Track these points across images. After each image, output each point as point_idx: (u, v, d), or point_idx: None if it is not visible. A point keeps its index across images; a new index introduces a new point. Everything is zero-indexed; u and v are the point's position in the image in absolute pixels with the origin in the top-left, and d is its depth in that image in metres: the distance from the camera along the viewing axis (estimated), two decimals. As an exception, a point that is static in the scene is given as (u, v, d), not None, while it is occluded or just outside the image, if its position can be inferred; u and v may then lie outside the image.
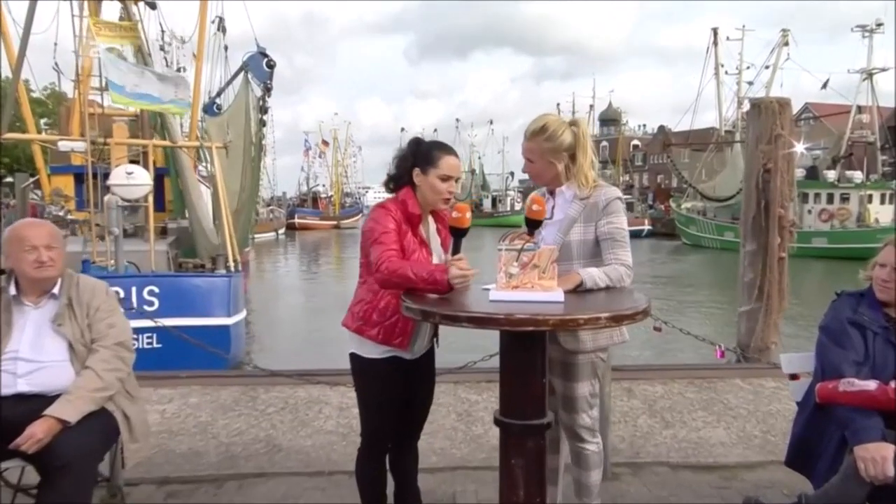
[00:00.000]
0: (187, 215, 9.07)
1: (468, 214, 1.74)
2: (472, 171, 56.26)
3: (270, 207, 43.44)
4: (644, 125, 66.47)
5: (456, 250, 1.80)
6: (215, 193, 8.35)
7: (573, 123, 1.95)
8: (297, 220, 43.24)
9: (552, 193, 1.96)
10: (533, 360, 1.59)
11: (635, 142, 60.50)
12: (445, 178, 1.89)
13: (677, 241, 30.69)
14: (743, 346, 4.34)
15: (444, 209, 1.92)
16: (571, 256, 1.86)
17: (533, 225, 1.80)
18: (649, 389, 3.80)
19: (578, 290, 1.72)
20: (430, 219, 1.99)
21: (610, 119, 58.99)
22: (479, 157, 59.99)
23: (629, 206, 38.83)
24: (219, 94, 11.90)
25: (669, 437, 3.17)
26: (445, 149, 1.93)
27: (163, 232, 8.83)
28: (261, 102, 9.73)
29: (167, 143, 8.35)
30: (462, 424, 3.28)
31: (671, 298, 13.85)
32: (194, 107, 10.41)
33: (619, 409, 3.51)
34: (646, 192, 48.97)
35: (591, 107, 53.46)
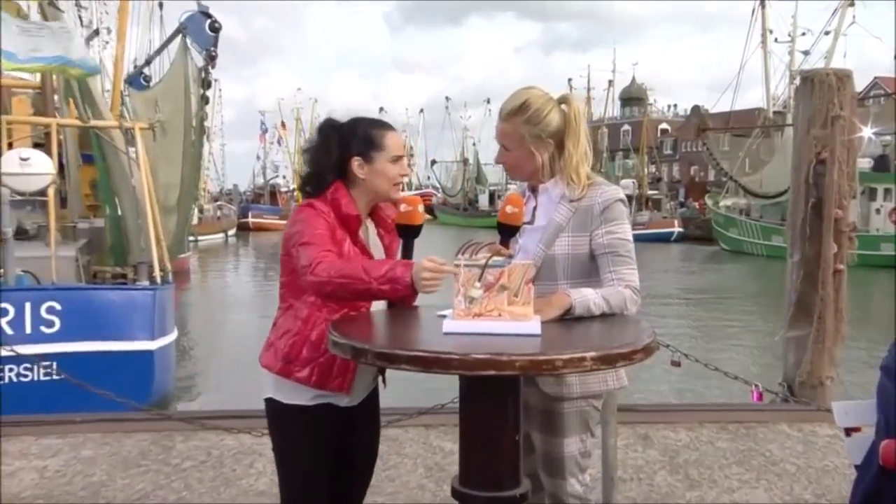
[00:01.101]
0: (108, 213, 8.86)
1: (420, 208, 1.71)
2: (465, 161, 56.56)
3: (218, 203, 43.26)
4: (675, 105, 67.22)
5: (408, 256, 1.78)
6: (140, 185, 8.13)
7: (563, 101, 1.87)
8: (250, 219, 43.20)
9: (534, 191, 1.88)
10: (501, 412, 1.51)
11: (664, 125, 61.05)
12: (396, 159, 1.85)
13: (714, 246, 30.90)
14: (790, 382, 4.21)
15: (397, 199, 1.85)
16: (556, 275, 1.78)
17: (507, 232, 1.75)
18: (670, 437, 3.70)
19: (566, 318, 1.64)
20: (369, 222, 1.93)
21: (633, 98, 59.49)
22: (474, 144, 60.49)
23: (656, 204, 39.23)
24: (147, 63, 11.73)
25: (696, 501, 3.05)
26: (383, 125, 1.88)
27: (72, 233, 8.61)
28: (203, 74, 9.58)
29: (75, 121, 8.13)
30: (432, 482, 3.15)
31: (703, 318, 13.81)
32: (116, 77, 10.20)
33: (631, 462, 3.40)
34: (676, 187, 49.45)
35: (611, 83, 54.02)
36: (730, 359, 9.38)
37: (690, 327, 12.65)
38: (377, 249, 1.93)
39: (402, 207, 1.73)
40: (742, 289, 18.71)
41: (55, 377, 5.77)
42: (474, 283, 1.50)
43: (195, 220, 33.43)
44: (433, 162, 60.85)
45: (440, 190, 60.78)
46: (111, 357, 6.02)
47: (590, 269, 1.79)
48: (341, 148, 1.83)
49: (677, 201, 44.25)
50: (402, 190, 1.87)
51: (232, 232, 38.76)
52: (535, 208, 1.86)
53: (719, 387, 6.95)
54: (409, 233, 1.77)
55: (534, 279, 1.76)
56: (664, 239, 33.82)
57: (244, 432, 3.57)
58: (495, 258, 1.53)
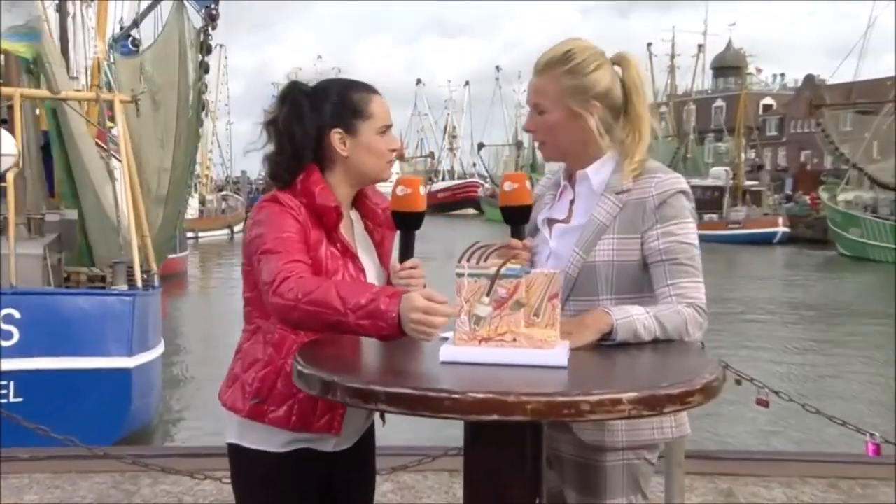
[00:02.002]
0: (70, 204, 9.02)
1: (422, 190, 1.69)
2: (519, 144, 56.46)
3: (223, 193, 44.20)
4: (781, 75, 65.44)
5: (407, 252, 1.75)
6: (125, 170, 8.25)
7: (617, 61, 1.81)
8: (261, 212, 44.47)
9: (570, 179, 1.85)
10: (514, 466, 1.47)
11: (768, 100, 59.72)
12: (385, 130, 1.81)
13: (829, 250, 30.08)
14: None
15: (384, 179, 1.82)
16: (596, 288, 1.73)
17: (514, 217, 1.76)
18: (761, 495, 3.57)
19: (605, 344, 1.59)
20: (354, 214, 1.88)
21: (728, 66, 58.30)
22: (531, 123, 59.72)
23: (755, 198, 38.36)
24: (136, 24, 11.95)
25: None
26: (366, 87, 1.82)
27: (38, 228, 8.77)
28: (202, 37, 9.69)
29: (43, 92, 8.29)
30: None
31: (804, 343, 13.20)
32: (99, 41, 10.40)
33: (708, 528, 3.25)
34: (781, 177, 48.27)
35: (701, 48, 53.27)
36: (838, 398, 8.98)
37: (787, 352, 12.17)
38: (365, 249, 1.86)
39: (399, 190, 1.67)
40: (862, 306, 17.82)
41: (13, 399, 5.90)
42: (481, 298, 1.44)
43: (196, 214, 34.38)
44: (480, 146, 60.93)
45: (488, 179, 60.79)
46: (79, 376, 6.11)
47: (641, 282, 1.74)
48: (315, 118, 1.77)
49: (783, 194, 43.20)
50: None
51: (239, 227, 39.39)
52: (571, 201, 1.82)
53: (820, 432, 6.65)
54: (407, 222, 1.71)
55: (569, 293, 1.72)
56: (765, 240, 33.07)
57: (225, 471, 3.52)
58: (509, 266, 1.46)
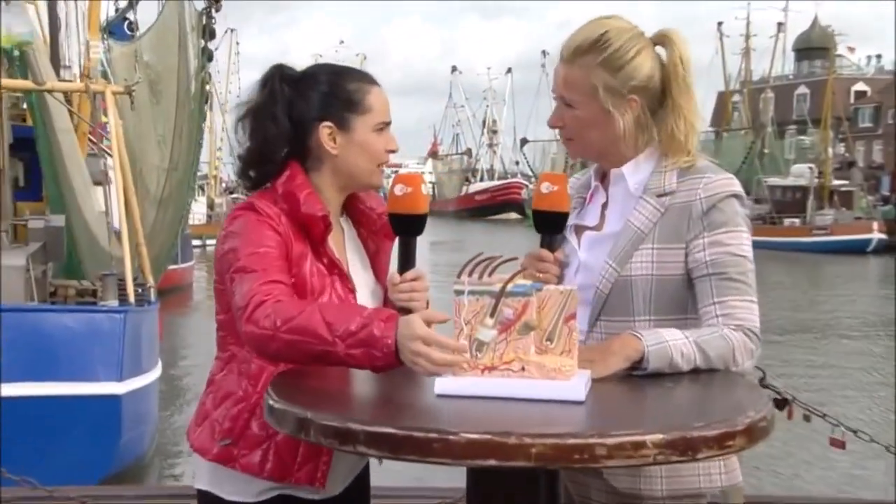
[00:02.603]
0: (71, 208, 9.16)
1: (424, 189, 1.68)
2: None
3: (234, 196, 44.85)
4: (878, 57, 64.09)
5: (407, 262, 1.74)
6: (116, 169, 8.36)
7: (660, 40, 1.78)
8: (277, 217, 45.31)
9: (603, 179, 1.83)
10: None
11: (860, 86, 58.64)
12: (382, 127, 1.80)
13: (934, 261, 29.32)
14: None
15: (374, 186, 1.84)
16: (632, 307, 1.72)
17: (548, 224, 1.75)
18: None
19: (634, 374, 1.57)
20: (344, 222, 1.88)
21: (813, 48, 57.47)
22: (580, 115, 59.53)
23: (845, 199, 37.68)
24: (132, 6, 12.14)
25: None
26: (364, 76, 1.82)
27: (16, 235, 8.91)
28: (204, 20, 9.82)
29: (27, 83, 8.44)
30: None
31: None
32: (92, 24, 10.57)
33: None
34: (876, 175, 47.30)
35: (781, 27, 52.34)
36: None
37: (874, 383, 11.82)
38: (358, 263, 1.86)
39: (398, 189, 1.65)
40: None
41: (-10, 428, 5.98)
42: (484, 320, 1.42)
43: (203, 219, 34.90)
44: (524, 141, 60.77)
45: (532, 180, 60.67)
46: (62, 404, 6.19)
47: (684, 301, 1.72)
48: (300, 109, 1.76)
49: (878, 195, 42.44)
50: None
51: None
52: (604, 206, 1.81)
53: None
54: (407, 227, 1.69)
55: (599, 313, 1.70)
56: (857, 249, 32.48)
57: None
58: (518, 281, 1.44)
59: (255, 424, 1.74)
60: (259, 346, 1.59)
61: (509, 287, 1.42)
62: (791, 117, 53.36)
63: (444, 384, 1.42)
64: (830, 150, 41.42)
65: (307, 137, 1.77)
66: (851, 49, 50.42)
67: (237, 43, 54.24)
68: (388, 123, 1.80)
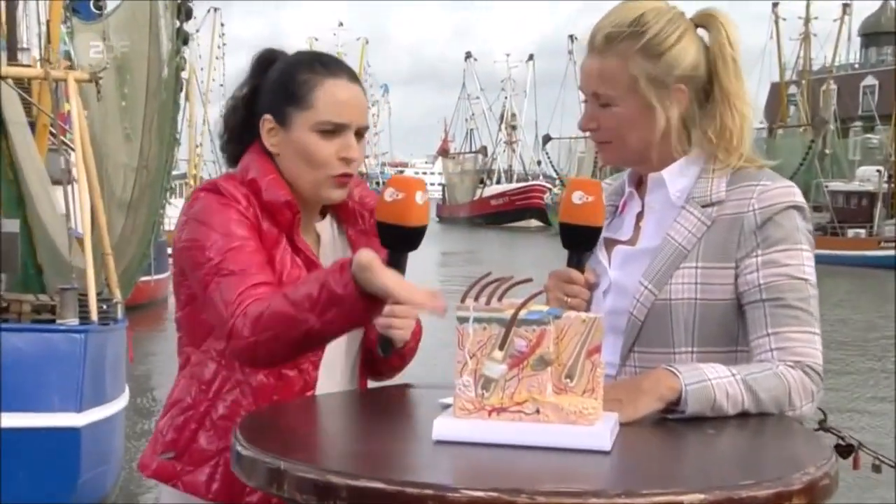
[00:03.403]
0: (6, 213, 9.19)
1: (419, 197, 1.65)
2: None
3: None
4: (956, 44, 64.14)
5: None
6: (80, 168, 8.39)
7: (702, 22, 1.78)
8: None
9: (638, 185, 1.84)
10: None
11: (936, 77, 58.45)
12: (330, 131, 1.78)
13: None
14: None
15: (340, 199, 1.85)
16: (671, 337, 1.72)
17: (578, 240, 1.74)
18: None
19: (670, 418, 1.56)
20: (329, 220, 1.91)
21: (882, 33, 57.44)
22: (613, 109, 59.72)
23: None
24: (97, -21, 12.21)
25: None
26: (325, 64, 1.84)
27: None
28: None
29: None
30: None
31: None
32: (54, 8, 10.66)
33: None
34: (955, 180, 47.09)
35: (847, 8, 52.31)
36: None
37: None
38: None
39: (388, 194, 1.64)
40: None
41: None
42: (492, 353, 1.40)
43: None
44: (547, 138, 60.91)
45: (556, 182, 60.85)
46: (11, 438, 6.11)
47: (733, 330, 1.72)
48: (259, 99, 1.85)
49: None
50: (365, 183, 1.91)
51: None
52: (639, 216, 1.81)
53: None
54: (395, 241, 1.67)
55: (633, 343, 1.70)
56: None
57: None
58: (532, 307, 1.42)
59: (203, 437, 1.78)
60: (249, 358, 1.68)
61: (522, 314, 1.40)
62: (856, 112, 53.25)
63: (443, 428, 1.39)
64: (901, 151, 41.32)
65: (261, 131, 1.82)
66: None
67: (222, 24, 54.68)
68: (341, 126, 1.78)
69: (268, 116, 1.80)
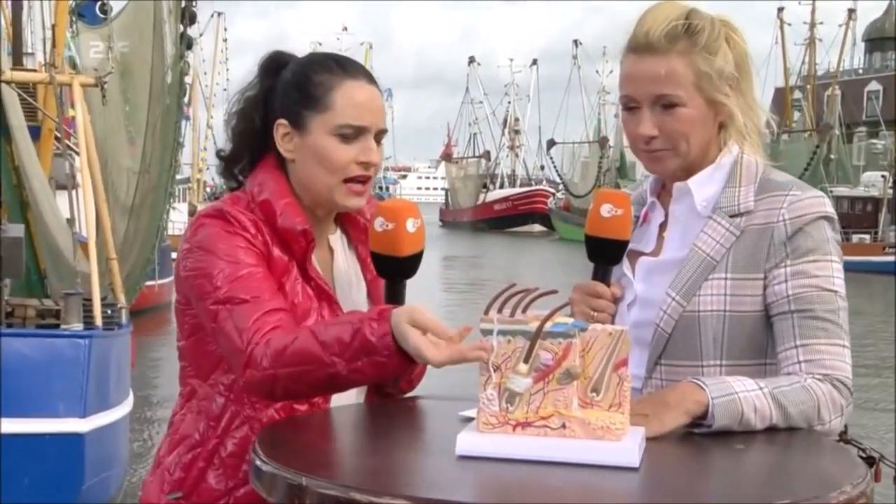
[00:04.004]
0: (11, 216, 9.18)
1: (411, 224, 1.63)
2: (602, 142, 56.42)
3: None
4: (960, 49, 64.02)
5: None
6: (84, 172, 8.36)
7: (725, 27, 1.77)
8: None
9: (659, 194, 1.83)
10: None
11: (940, 83, 58.35)
12: (351, 135, 1.73)
13: None
14: None
15: (358, 208, 1.79)
16: (699, 350, 1.71)
17: (605, 254, 1.72)
18: None
19: (696, 433, 1.53)
20: (339, 235, 1.87)
21: (886, 38, 57.41)
22: (617, 116, 59.59)
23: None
24: (103, -16, 12.20)
25: None
26: (342, 65, 1.77)
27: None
28: (183, 3, 9.84)
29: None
30: None
31: None
32: (59, 7, 10.63)
33: None
34: (961, 185, 46.98)
35: (851, 14, 52.27)
36: None
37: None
38: (351, 287, 1.85)
39: (378, 224, 1.62)
40: None
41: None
42: (517, 366, 1.38)
43: (182, 228, 35.03)
44: (551, 143, 60.99)
45: (561, 187, 60.87)
46: (15, 444, 6.07)
47: (762, 342, 1.70)
48: (271, 103, 1.77)
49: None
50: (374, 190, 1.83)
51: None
52: (661, 226, 1.79)
53: None
54: (389, 271, 1.65)
55: (660, 356, 1.69)
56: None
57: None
58: (557, 319, 1.39)
59: (212, 476, 1.72)
60: (265, 391, 1.62)
61: (547, 326, 1.37)
62: (861, 117, 53.16)
63: (467, 443, 1.37)
64: (907, 156, 41.24)
65: (275, 139, 1.76)
66: None
67: (225, 28, 54.74)
68: (361, 129, 1.72)
69: (282, 121, 1.74)
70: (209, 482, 1.72)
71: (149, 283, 14.47)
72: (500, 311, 1.41)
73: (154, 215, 10.62)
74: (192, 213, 38.89)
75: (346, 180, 1.72)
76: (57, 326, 8.01)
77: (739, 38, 1.75)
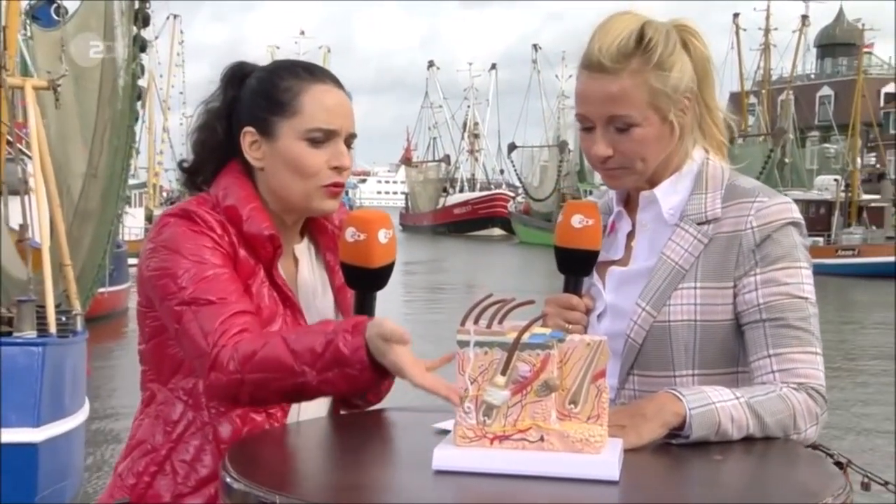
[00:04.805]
0: None
1: (382, 235, 1.61)
2: (562, 146, 56.77)
3: (177, 207, 44.74)
4: (910, 55, 65.10)
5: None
6: (37, 177, 8.23)
7: (682, 34, 1.74)
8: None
9: (626, 202, 1.80)
10: None
11: (891, 87, 59.52)
12: (321, 139, 1.72)
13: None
14: None
15: (333, 210, 1.78)
16: (670, 360, 1.70)
17: (576, 265, 1.72)
18: None
19: (674, 443, 1.52)
20: (307, 244, 1.84)
21: (839, 44, 58.48)
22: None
23: (875, 216, 38.13)
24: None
25: None
26: (309, 70, 1.77)
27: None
28: (136, 5, 9.71)
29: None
30: None
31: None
32: (11, 10, 10.45)
33: None
34: (911, 188, 47.87)
35: (805, 20, 53.16)
36: None
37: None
38: (317, 295, 1.82)
39: (349, 234, 1.59)
40: None
41: None
42: (494, 378, 1.36)
43: (140, 233, 34.77)
44: (512, 147, 61.25)
45: (521, 190, 61.16)
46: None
47: (734, 351, 1.70)
48: (237, 112, 1.75)
49: (912, 212, 42.89)
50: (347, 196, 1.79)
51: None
52: (629, 235, 1.77)
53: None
54: (360, 282, 1.63)
55: (631, 366, 1.68)
56: (889, 273, 32.74)
57: None
58: (535, 330, 1.37)
59: (162, 482, 1.69)
60: (229, 395, 1.59)
61: (525, 337, 1.35)
62: (814, 122, 54.05)
63: (444, 457, 1.34)
64: (859, 161, 42.00)
65: (242, 146, 1.74)
66: (867, 49, 50.57)
67: (181, 31, 54.38)
68: (330, 132, 1.71)
69: (249, 128, 1.71)
70: (157, 489, 1.69)
71: (102, 289, 14.34)
72: (476, 321, 1.38)
73: (105, 220, 10.48)
74: (148, 217, 38.64)
75: (322, 187, 1.70)
76: (10, 334, 7.88)
77: (699, 41, 1.73)
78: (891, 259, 33.77)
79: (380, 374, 1.48)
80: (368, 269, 1.60)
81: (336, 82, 1.76)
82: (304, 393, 1.55)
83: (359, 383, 1.50)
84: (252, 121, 1.71)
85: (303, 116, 1.69)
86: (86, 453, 8.65)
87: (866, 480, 3.16)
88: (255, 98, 1.72)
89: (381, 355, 1.45)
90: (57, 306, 7.80)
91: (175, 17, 51.95)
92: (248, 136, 1.72)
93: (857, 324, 21.34)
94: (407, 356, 1.45)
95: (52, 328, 7.37)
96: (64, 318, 8.01)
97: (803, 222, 1.72)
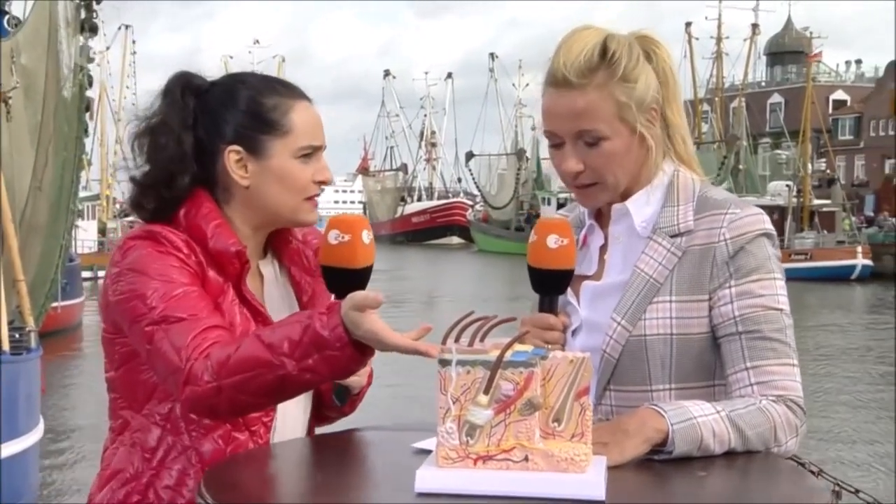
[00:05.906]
0: None
1: (364, 236, 1.62)
2: (520, 154, 57.10)
3: (130, 219, 44.28)
4: (857, 62, 66.85)
5: None
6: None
7: (644, 45, 1.75)
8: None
9: (598, 216, 1.80)
10: None
11: (839, 94, 60.83)
12: (310, 153, 1.75)
13: (925, 289, 30.30)
14: None
15: (303, 223, 1.79)
16: (647, 374, 1.69)
17: (549, 284, 1.69)
18: None
19: (656, 459, 1.50)
20: (270, 259, 1.84)
21: (788, 52, 59.72)
22: (534, 128, 60.05)
23: (826, 221, 38.78)
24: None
25: None
26: (289, 88, 1.78)
27: None
28: (82, 12, 9.57)
29: None
30: None
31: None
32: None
33: None
34: (859, 193, 48.96)
35: (755, 28, 54.10)
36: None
37: (868, 433, 11.95)
38: (281, 311, 1.78)
39: (332, 236, 1.59)
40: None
41: None
42: (477, 397, 1.33)
43: (94, 247, 34.38)
44: (469, 155, 61.49)
45: (479, 198, 61.37)
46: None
47: (711, 364, 1.69)
48: (206, 128, 1.73)
49: (862, 216, 43.85)
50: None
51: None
52: (602, 248, 1.76)
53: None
54: (343, 284, 1.61)
55: (608, 381, 1.67)
56: (840, 276, 33.52)
57: None
58: (517, 348, 1.35)
59: None
60: (208, 407, 1.56)
61: (508, 355, 1.32)
62: (765, 128, 54.97)
63: (426, 479, 1.31)
64: (809, 166, 42.66)
65: (213, 163, 1.71)
66: (815, 58, 51.37)
67: (133, 41, 53.81)
68: (318, 148, 1.75)
69: (236, 147, 1.70)
70: None
71: (55, 304, 14.13)
72: (457, 340, 1.36)
73: (55, 233, 10.33)
74: (101, 230, 38.17)
75: (307, 200, 1.73)
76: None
77: (662, 51, 1.74)
78: (841, 263, 34.44)
79: (360, 353, 1.49)
80: (352, 270, 1.59)
81: (305, 95, 1.78)
82: (285, 387, 1.53)
83: (340, 365, 1.50)
84: (238, 140, 1.70)
85: (295, 135, 1.71)
86: (41, 472, 8.53)
87: (837, 489, 3.20)
88: (239, 117, 1.71)
89: (356, 327, 1.46)
90: (10, 323, 7.70)
91: (127, 27, 51.44)
92: (233, 154, 1.70)
93: (810, 327, 21.66)
94: (381, 323, 1.46)
95: (6, 345, 7.29)
96: (17, 335, 7.91)
97: (775, 233, 1.72)
